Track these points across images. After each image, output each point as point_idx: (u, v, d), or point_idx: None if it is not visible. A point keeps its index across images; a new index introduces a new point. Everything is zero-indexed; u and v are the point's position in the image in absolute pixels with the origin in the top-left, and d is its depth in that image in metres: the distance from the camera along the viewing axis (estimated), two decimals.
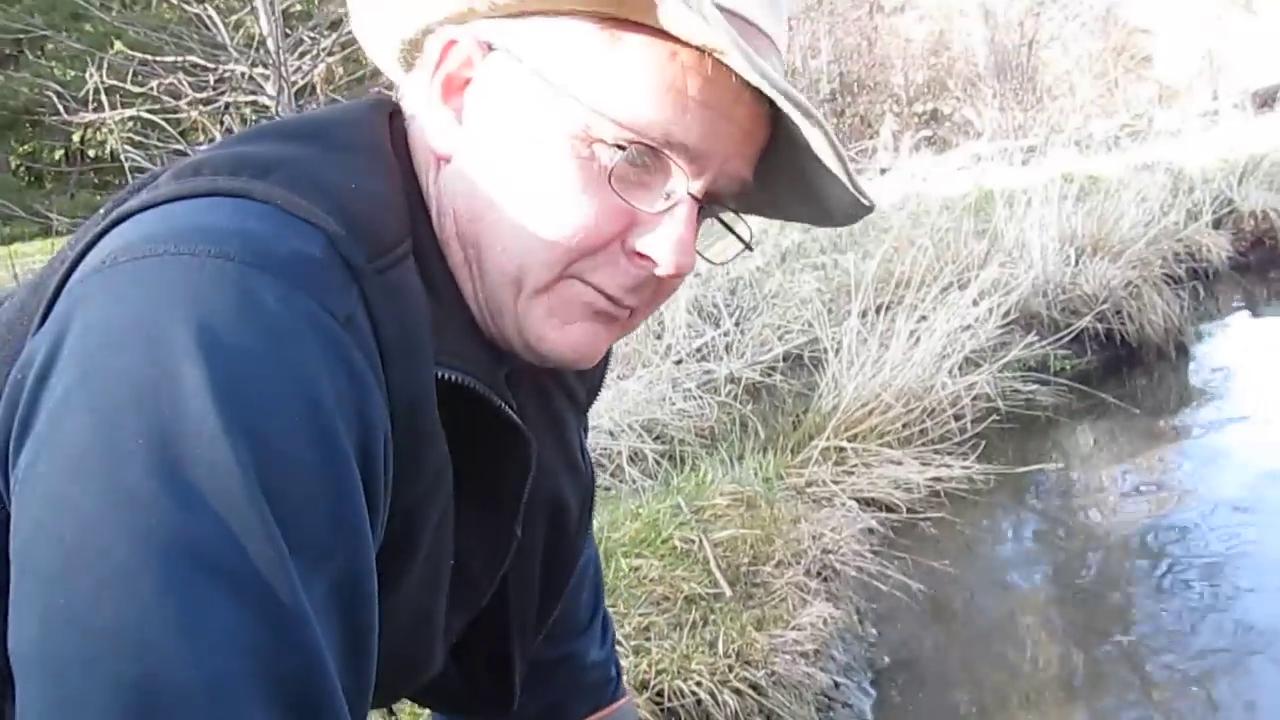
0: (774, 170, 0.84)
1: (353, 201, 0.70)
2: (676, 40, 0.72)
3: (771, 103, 0.74)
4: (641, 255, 0.77)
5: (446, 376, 0.74)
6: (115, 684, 0.51)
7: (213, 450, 0.55)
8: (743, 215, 0.87)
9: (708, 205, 0.81)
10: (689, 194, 0.77)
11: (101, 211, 0.73)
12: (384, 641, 0.67)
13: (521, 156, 0.76)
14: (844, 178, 0.78)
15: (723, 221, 0.88)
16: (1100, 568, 3.59)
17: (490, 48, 0.77)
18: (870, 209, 0.83)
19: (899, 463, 4.05)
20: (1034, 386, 4.97)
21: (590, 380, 1.06)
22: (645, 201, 0.76)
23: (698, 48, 0.72)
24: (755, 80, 0.70)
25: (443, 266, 0.79)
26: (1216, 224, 7.85)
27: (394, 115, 0.84)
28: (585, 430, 1.10)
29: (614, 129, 0.73)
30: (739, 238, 0.89)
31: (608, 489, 3.62)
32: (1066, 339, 5.36)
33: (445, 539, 0.79)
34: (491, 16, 0.77)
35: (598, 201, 0.75)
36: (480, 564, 0.89)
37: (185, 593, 0.53)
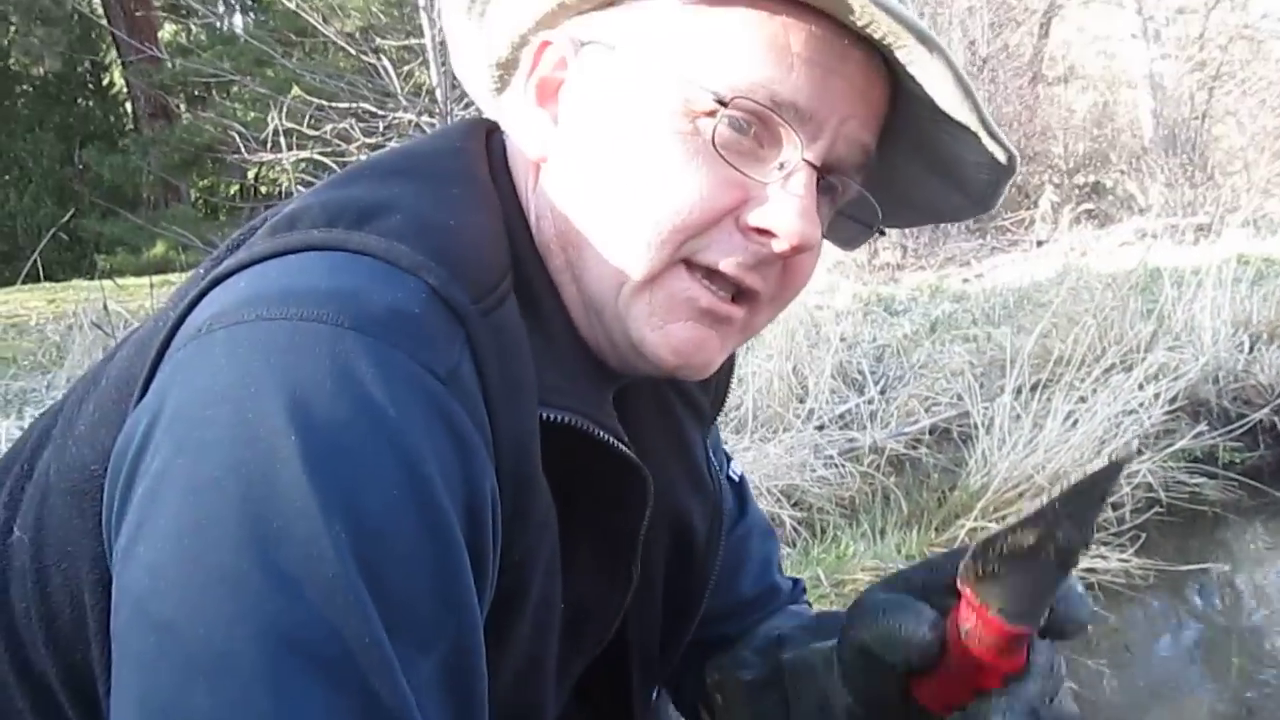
0: (898, 139, 0.78)
1: (453, 241, 0.67)
2: None
3: (888, 60, 0.70)
4: (759, 230, 0.72)
5: (550, 417, 0.70)
6: None
7: (307, 529, 0.53)
8: (871, 196, 0.81)
9: (830, 176, 0.76)
10: (804, 160, 0.72)
11: (201, 270, 0.72)
12: (493, 697, 0.64)
13: (619, 143, 0.72)
14: (971, 116, 0.72)
15: (848, 215, 0.84)
16: (1267, 682, 3.32)
17: (582, 44, 0.75)
18: (1012, 166, 0.76)
19: None
20: (1200, 479, 4.67)
21: (713, 390, 1.01)
22: (758, 172, 0.72)
23: (798, 2, 0.69)
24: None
25: (548, 288, 0.76)
26: None
27: (491, 133, 0.83)
28: (716, 443, 1.04)
29: (714, 98, 0.70)
30: (865, 224, 0.84)
31: None
32: (1238, 431, 5.03)
33: (554, 583, 0.76)
34: (582, 10, 0.75)
35: (704, 173, 0.71)
36: (598, 605, 0.85)
37: (280, 682, 0.51)
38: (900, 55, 0.70)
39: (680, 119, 0.71)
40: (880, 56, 0.72)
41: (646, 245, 0.72)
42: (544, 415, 0.70)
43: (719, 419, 1.06)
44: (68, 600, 0.66)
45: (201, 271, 0.71)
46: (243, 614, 0.51)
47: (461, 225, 0.69)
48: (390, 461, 0.56)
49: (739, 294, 0.76)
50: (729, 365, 1.02)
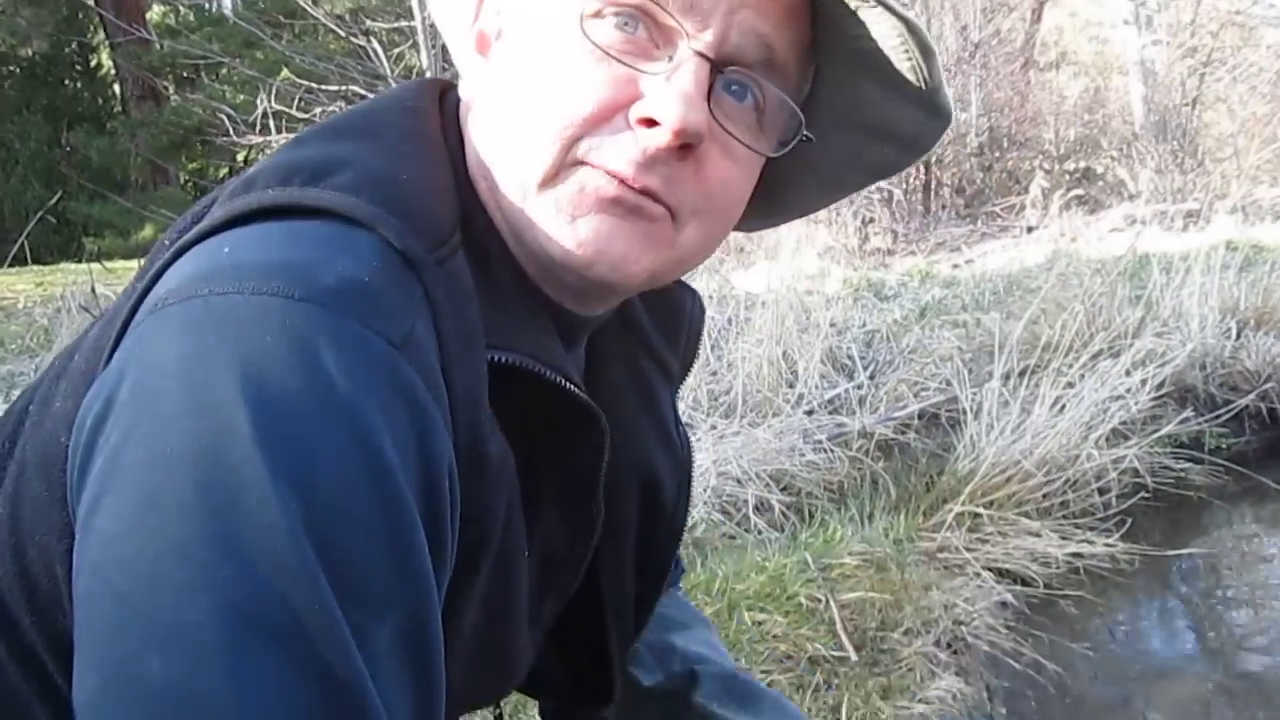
0: (824, 46, 0.78)
1: (405, 194, 0.69)
2: None
3: None
4: (645, 122, 0.72)
5: (498, 359, 0.71)
6: None
7: (259, 500, 0.54)
8: (791, 101, 0.78)
9: (730, 71, 0.75)
10: (693, 50, 0.72)
11: (165, 240, 0.73)
12: (461, 645, 0.65)
13: (523, 65, 0.75)
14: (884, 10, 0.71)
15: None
16: (1250, 667, 3.35)
17: None
18: (922, 41, 0.73)
19: (1037, 534, 3.88)
20: (1186, 464, 4.70)
21: (682, 349, 1.03)
22: (649, 68, 0.73)
23: None
24: None
25: (495, 240, 0.77)
26: None
27: (445, 92, 0.84)
28: (677, 405, 1.06)
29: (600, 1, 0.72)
30: (793, 139, 0.79)
31: (733, 538, 3.56)
32: (1225, 417, 5.06)
33: (517, 529, 0.77)
34: None
35: (592, 72, 0.72)
36: (562, 548, 0.86)
37: (234, 653, 0.52)
38: None
39: (571, 28, 0.73)
40: None
41: (542, 145, 0.72)
42: (491, 358, 0.70)
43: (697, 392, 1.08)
44: (44, 571, 0.68)
45: (166, 242, 0.72)
46: (195, 585, 0.52)
47: (413, 179, 0.70)
48: (342, 432, 0.57)
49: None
50: (696, 321, 1.03)
